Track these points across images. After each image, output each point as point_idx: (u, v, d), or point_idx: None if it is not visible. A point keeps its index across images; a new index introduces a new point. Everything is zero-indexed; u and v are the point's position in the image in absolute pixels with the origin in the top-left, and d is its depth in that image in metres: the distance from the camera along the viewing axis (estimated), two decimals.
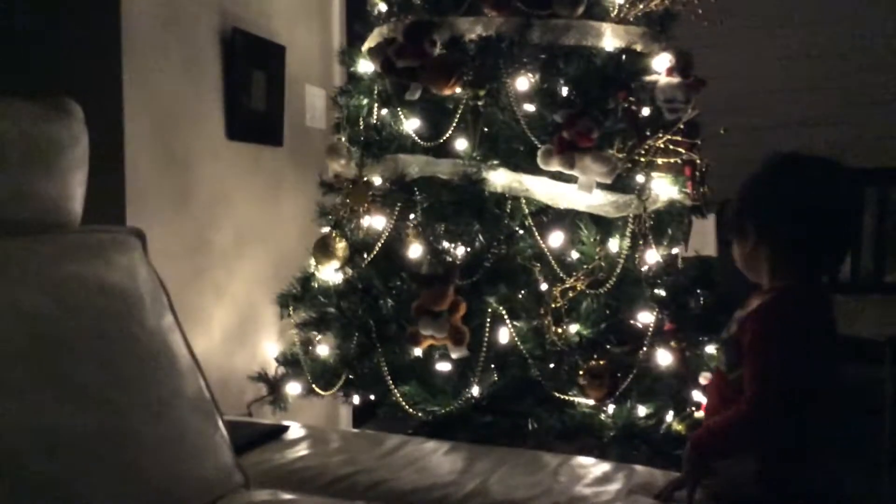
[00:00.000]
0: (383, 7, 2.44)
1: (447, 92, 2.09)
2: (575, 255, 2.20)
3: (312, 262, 2.30)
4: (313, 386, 2.24)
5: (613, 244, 2.21)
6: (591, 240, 2.18)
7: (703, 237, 3.30)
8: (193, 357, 1.56)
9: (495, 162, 2.10)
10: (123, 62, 2.05)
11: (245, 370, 2.40)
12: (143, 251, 1.60)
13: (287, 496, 1.48)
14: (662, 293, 2.23)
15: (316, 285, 2.29)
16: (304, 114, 2.90)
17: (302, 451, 1.77)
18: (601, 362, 1.97)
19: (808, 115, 4.34)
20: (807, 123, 4.32)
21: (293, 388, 2.27)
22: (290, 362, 2.31)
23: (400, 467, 1.68)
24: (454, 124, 2.14)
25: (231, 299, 2.49)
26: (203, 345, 2.35)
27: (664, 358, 2.14)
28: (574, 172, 2.08)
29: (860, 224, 1.46)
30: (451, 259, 2.08)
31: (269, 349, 2.43)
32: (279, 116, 2.71)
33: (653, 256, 2.22)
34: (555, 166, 2.07)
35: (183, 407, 1.44)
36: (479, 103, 2.07)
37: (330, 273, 2.26)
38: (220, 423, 1.52)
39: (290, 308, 2.34)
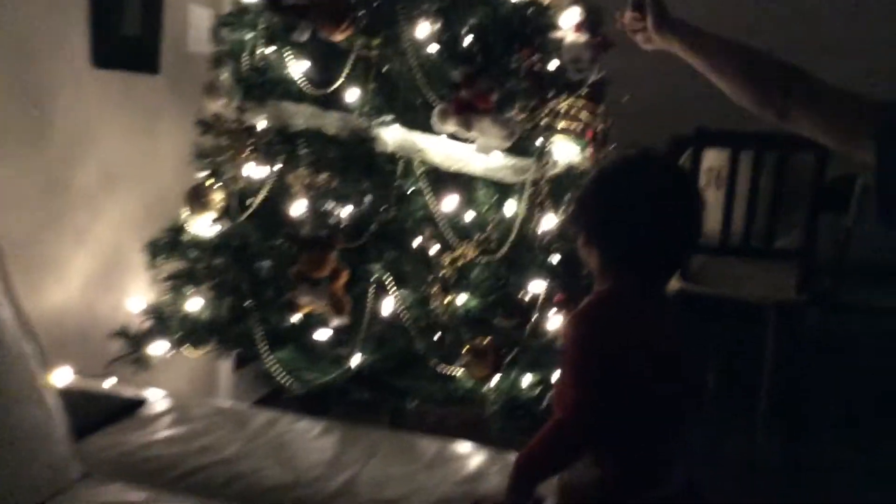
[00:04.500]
0: None
1: (338, 37, 1.90)
2: (469, 217, 2.09)
3: (185, 210, 2.10)
4: (181, 346, 2.08)
5: (509, 208, 2.11)
6: (488, 203, 2.07)
7: None
8: (27, 333, 1.39)
9: (388, 118, 1.94)
10: None
11: (109, 324, 2.21)
12: None
13: (128, 494, 1.35)
14: (556, 260, 2.15)
15: (187, 237, 2.10)
16: (186, 38, 2.64)
17: (157, 432, 1.64)
18: (486, 340, 1.88)
19: None
20: None
21: (159, 347, 2.11)
22: (158, 318, 2.14)
23: (264, 456, 1.57)
24: (347, 73, 1.96)
25: (95, 245, 2.28)
26: (60, 296, 2.16)
27: (551, 327, 2.07)
28: (472, 135, 1.95)
29: (691, 228, 1.37)
30: (334, 221, 1.94)
31: (134, 302, 2.24)
32: (155, 41, 2.46)
33: (549, 222, 2.13)
34: (451, 127, 1.93)
35: (10, 401, 1.28)
36: (373, 52, 1.89)
37: (203, 225, 2.08)
38: (54, 409, 1.37)
39: (160, 258, 2.16)
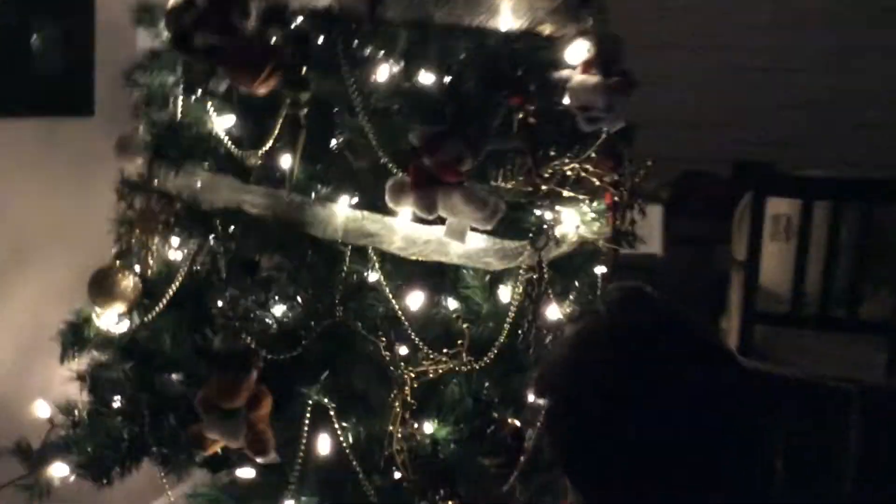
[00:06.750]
0: None
1: (259, 90, 1.43)
2: (451, 305, 1.62)
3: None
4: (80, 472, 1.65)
5: (504, 295, 1.63)
6: (479, 286, 1.60)
7: (647, 230, 2.72)
8: None
9: (326, 192, 1.47)
10: None
11: (17, 430, 1.80)
12: None
13: None
14: None
15: (93, 333, 1.67)
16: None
17: None
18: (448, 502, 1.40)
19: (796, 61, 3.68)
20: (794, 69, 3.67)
21: (61, 469, 1.69)
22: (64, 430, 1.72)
23: None
24: (276, 135, 1.49)
25: (3, 331, 1.89)
26: None
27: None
28: (441, 214, 1.46)
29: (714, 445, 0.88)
30: (256, 329, 1.48)
31: (41, 407, 1.82)
32: (86, 77, 2.04)
33: (553, 315, 1.64)
34: (408, 206, 1.45)
35: None
36: (302, 112, 1.42)
37: (112, 319, 1.65)
38: None
39: (70, 354, 1.74)
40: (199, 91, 1.60)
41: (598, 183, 1.63)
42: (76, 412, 1.72)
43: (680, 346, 0.89)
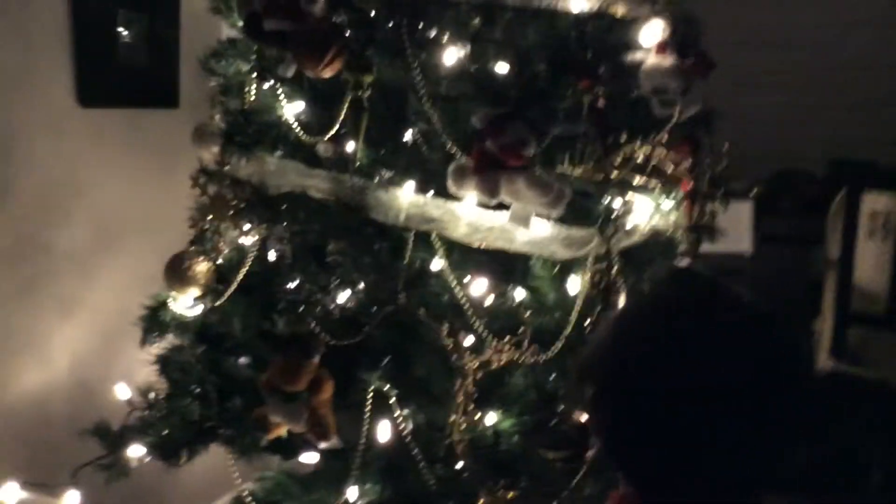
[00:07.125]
0: None
1: (325, 74, 1.43)
2: (518, 295, 1.59)
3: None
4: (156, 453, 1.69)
5: (573, 286, 1.58)
6: (546, 277, 1.55)
7: (736, 227, 2.61)
8: None
9: (387, 176, 1.46)
10: None
11: (103, 412, 1.86)
12: None
13: None
14: None
15: (169, 317, 1.71)
16: None
17: None
18: (509, 495, 1.36)
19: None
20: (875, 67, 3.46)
21: (138, 450, 1.73)
22: (141, 412, 1.76)
23: None
24: (342, 119, 1.49)
25: (86, 316, 1.95)
26: (40, 378, 1.85)
27: None
28: (505, 199, 1.43)
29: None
30: (320, 314, 1.48)
31: (122, 390, 1.87)
32: (170, 69, 2.09)
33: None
34: (470, 191, 1.42)
35: None
36: (364, 94, 1.41)
37: (187, 304, 1.69)
38: None
39: (151, 338, 1.78)
40: (271, 78, 1.61)
41: (672, 169, 1.56)
42: (152, 395, 1.77)
43: (725, 328, 0.82)
